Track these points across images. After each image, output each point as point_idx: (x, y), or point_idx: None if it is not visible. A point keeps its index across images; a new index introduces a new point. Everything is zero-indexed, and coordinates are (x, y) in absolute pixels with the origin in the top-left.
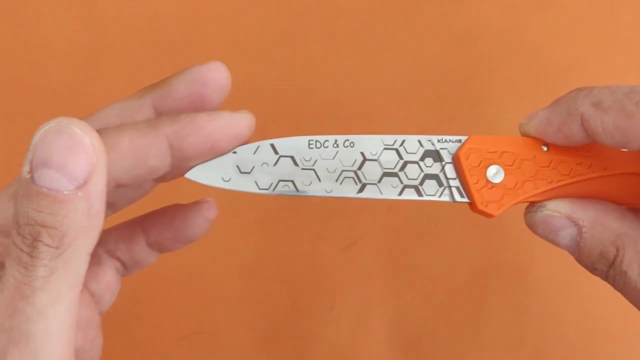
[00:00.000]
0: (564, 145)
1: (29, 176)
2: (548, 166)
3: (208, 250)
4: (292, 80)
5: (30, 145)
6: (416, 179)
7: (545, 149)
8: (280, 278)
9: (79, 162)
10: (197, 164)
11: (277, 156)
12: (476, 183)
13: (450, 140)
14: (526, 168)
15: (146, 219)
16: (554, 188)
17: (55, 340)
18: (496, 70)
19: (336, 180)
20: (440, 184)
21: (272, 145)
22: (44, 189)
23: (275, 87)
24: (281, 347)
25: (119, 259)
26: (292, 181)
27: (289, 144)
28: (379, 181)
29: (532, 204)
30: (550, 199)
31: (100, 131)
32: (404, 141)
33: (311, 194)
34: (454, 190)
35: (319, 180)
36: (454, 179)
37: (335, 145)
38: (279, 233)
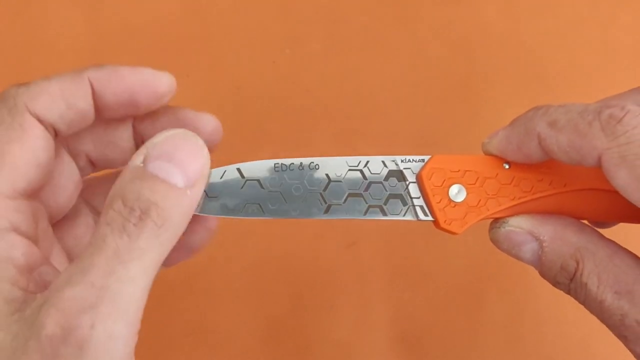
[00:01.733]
0: (524, 163)
1: (142, 165)
2: (510, 183)
3: (209, 250)
4: (292, 80)
5: (147, 143)
6: (380, 199)
7: (507, 167)
8: (282, 277)
9: (195, 166)
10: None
11: (244, 180)
12: (439, 202)
13: (413, 160)
14: (488, 186)
15: None
16: (516, 205)
17: (136, 304)
18: (495, 73)
19: (302, 202)
20: (405, 203)
21: (239, 170)
22: (160, 177)
23: (276, 88)
24: (282, 345)
25: None
26: (259, 204)
27: (255, 168)
28: (344, 202)
29: (495, 220)
30: (513, 215)
31: (29, 82)
32: (367, 162)
33: (278, 216)
34: (418, 209)
35: (285, 202)
36: (418, 197)
37: (300, 168)
38: (280, 232)
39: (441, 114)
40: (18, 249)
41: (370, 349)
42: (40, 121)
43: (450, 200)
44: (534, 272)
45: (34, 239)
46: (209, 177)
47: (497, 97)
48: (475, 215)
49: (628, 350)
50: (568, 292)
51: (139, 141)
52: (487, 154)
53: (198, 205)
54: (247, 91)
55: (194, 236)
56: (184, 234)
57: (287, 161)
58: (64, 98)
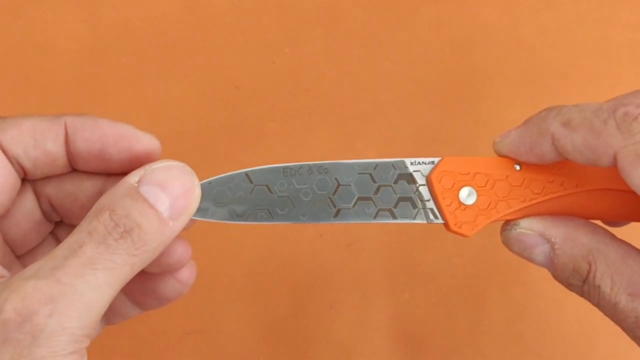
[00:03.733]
0: (537, 164)
1: (136, 184)
2: (521, 185)
3: (209, 249)
4: (292, 80)
5: (146, 166)
6: (390, 202)
7: (517, 168)
8: (282, 276)
9: (184, 201)
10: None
11: (252, 185)
12: (449, 205)
13: (423, 162)
14: (499, 188)
15: None
16: (527, 206)
17: (95, 311)
18: (495, 72)
19: (311, 207)
20: (415, 206)
21: (247, 175)
22: (149, 202)
23: (275, 88)
24: (282, 345)
25: None
26: (268, 209)
27: (263, 173)
28: (354, 206)
29: (506, 222)
30: (524, 217)
31: (7, 117)
32: (377, 165)
33: (287, 221)
34: (428, 212)
35: (295, 207)
36: (428, 200)
37: (309, 172)
38: (280, 232)
39: (441, 114)
40: None
41: (370, 349)
42: (5, 152)
43: (460, 203)
44: (534, 272)
45: None
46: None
47: (497, 96)
48: (485, 217)
49: (628, 350)
50: (581, 295)
51: None
52: (499, 154)
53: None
54: (246, 91)
55: (167, 287)
56: (158, 283)
57: (295, 166)
58: (33, 135)
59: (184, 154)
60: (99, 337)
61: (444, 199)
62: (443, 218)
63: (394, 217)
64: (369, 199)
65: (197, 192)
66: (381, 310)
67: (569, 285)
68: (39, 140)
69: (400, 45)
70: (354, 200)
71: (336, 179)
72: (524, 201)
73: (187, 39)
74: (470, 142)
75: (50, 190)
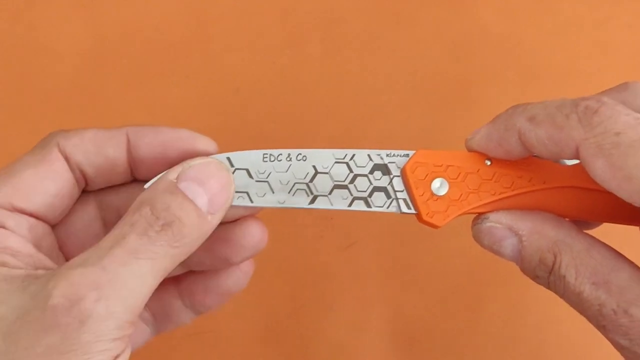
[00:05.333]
0: (505, 158)
1: (175, 181)
2: (491, 179)
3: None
4: (292, 81)
5: (184, 163)
6: (365, 191)
7: (488, 163)
8: (281, 277)
9: (222, 197)
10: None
11: (233, 169)
12: (422, 195)
13: (398, 154)
14: (470, 181)
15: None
16: (496, 200)
17: (139, 298)
18: (494, 73)
19: (289, 192)
20: (389, 196)
21: (228, 159)
22: (188, 197)
23: (276, 89)
24: (281, 346)
25: (148, 307)
26: (247, 192)
27: (244, 158)
28: (330, 193)
29: (477, 217)
30: (494, 210)
31: (69, 130)
32: (354, 155)
33: (264, 205)
34: (401, 202)
35: (273, 192)
36: (402, 191)
37: (288, 159)
38: (280, 233)
39: (440, 115)
40: (23, 226)
41: (369, 350)
42: (67, 159)
43: (432, 194)
44: None
45: (35, 245)
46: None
47: (496, 97)
48: (456, 208)
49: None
50: (548, 286)
51: None
52: (470, 150)
53: None
54: (246, 93)
55: (230, 279)
56: (220, 277)
57: (275, 152)
58: (94, 142)
59: None
60: None
61: (417, 189)
62: (416, 208)
63: (369, 206)
64: (345, 187)
65: (233, 188)
66: (381, 311)
67: (535, 278)
68: (100, 147)
69: (400, 47)
70: (331, 187)
71: (314, 166)
72: (493, 194)
73: (187, 41)
74: None
75: (112, 199)
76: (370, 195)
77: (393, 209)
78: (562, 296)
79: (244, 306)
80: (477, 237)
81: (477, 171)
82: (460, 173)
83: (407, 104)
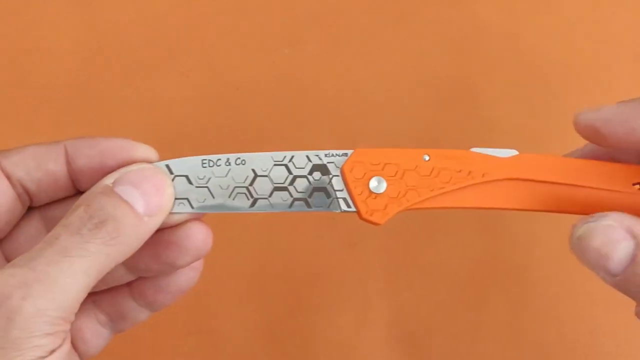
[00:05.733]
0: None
1: (112, 185)
2: (429, 175)
3: (210, 249)
4: (292, 81)
5: (121, 169)
6: (305, 192)
7: (426, 158)
8: (282, 277)
9: (158, 200)
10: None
11: (173, 176)
12: (360, 194)
13: (337, 154)
14: (408, 178)
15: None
16: (436, 196)
17: (72, 297)
18: (495, 72)
19: (229, 196)
20: (329, 196)
21: (167, 166)
22: (124, 199)
23: (275, 88)
24: (282, 346)
25: (103, 310)
26: (187, 199)
27: (183, 164)
28: (270, 195)
29: (585, 216)
30: (434, 206)
31: (9, 149)
32: (292, 157)
33: (205, 210)
34: (341, 201)
35: (213, 197)
36: (341, 190)
37: (227, 164)
38: (281, 232)
39: (440, 114)
40: None
41: (370, 349)
42: (9, 177)
43: (371, 192)
44: (534, 272)
45: None
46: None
47: (497, 97)
48: (396, 206)
49: (628, 350)
50: None
51: None
52: (580, 124)
53: None
54: (246, 91)
55: (179, 278)
56: (169, 276)
57: (214, 157)
58: (34, 157)
59: (184, 154)
60: None
61: (355, 187)
62: (355, 207)
63: (309, 207)
64: (285, 188)
65: (169, 191)
66: (381, 311)
67: None
68: (40, 162)
69: (399, 45)
70: (271, 190)
71: (253, 169)
72: (432, 190)
73: (186, 40)
74: (469, 143)
75: (56, 213)
76: (310, 195)
77: (334, 208)
78: None
79: (244, 306)
80: (585, 236)
81: (415, 168)
82: (398, 170)
83: (407, 103)
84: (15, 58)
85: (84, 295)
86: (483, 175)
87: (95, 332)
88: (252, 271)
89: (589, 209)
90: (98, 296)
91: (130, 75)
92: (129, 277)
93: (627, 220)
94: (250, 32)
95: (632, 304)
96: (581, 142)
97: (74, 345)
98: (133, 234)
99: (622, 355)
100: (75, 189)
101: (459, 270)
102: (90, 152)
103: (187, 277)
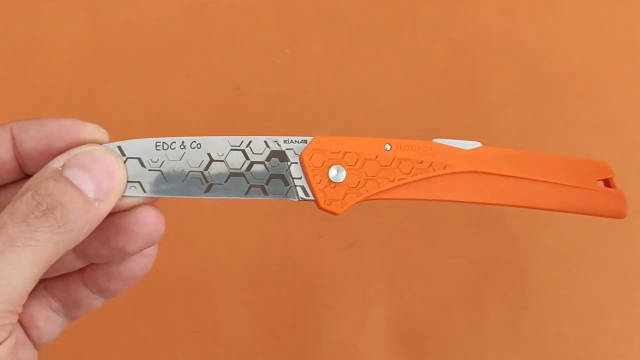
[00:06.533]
0: None
1: (60, 169)
2: (390, 165)
3: (210, 250)
4: (292, 81)
5: (70, 151)
6: (262, 179)
7: (388, 148)
8: (282, 277)
9: (109, 183)
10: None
11: (125, 158)
12: (319, 182)
13: (296, 140)
14: (368, 167)
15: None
16: (396, 187)
17: (19, 287)
18: (495, 73)
19: (183, 181)
20: (286, 184)
21: (120, 147)
22: (73, 183)
23: (276, 88)
24: (282, 346)
25: (56, 297)
26: (139, 182)
27: (136, 146)
28: (226, 181)
29: None
30: (394, 197)
31: None
32: (250, 142)
33: (158, 194)
34: (299, 190)
35: (166, 181)
36: (299, 178)
37: (182, 147)
38: (280, 232)
39: (441, 115)
40: None
41: (370, 350)
42: None
43: (330, 181)
44: (534, 272)
45: None
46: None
47: (497, 97)
48: (354, 196)
49: (627, 351)
50: None
51: None
52: None
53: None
54: (246, 91)
55: (132, 264)
56: (121, 263)
57: (168, 140)
58: None
59: None
60: (98, 337)
61: (314, 176)
62: (313, 195)
63: (266, 194)
64: (241, 174)
65: (121, 174)
66: (381, 311)
67: None
68: None
69: (400, 46)
70: (226, 176)
71: (209, 154)
72: (392, 181)
73: (187, 40)
74: None
75: (3, 199)
76: (267, 182)
77: (291, 196)
78: None
79: (244, 306)
80: None
81: (376, 157)
82: (358, 159)
83: (408, 103)
84: (18, 57)
85: (31, 286)
86: (445, 167)
87: (49, 320)
88: (252, 271)
89: (551, 204)
90: (50, 283)
91: (131, 75)
92: (80, 264)
93: None
94: (251, 32)
95: (632, 304)
96: (583, 141)
97: (27, 333)
98: (83, 220)
99: (620, 355)
100: (23, 172)
101: (458, 271)
102: (36, 134)
103: (139, 264)
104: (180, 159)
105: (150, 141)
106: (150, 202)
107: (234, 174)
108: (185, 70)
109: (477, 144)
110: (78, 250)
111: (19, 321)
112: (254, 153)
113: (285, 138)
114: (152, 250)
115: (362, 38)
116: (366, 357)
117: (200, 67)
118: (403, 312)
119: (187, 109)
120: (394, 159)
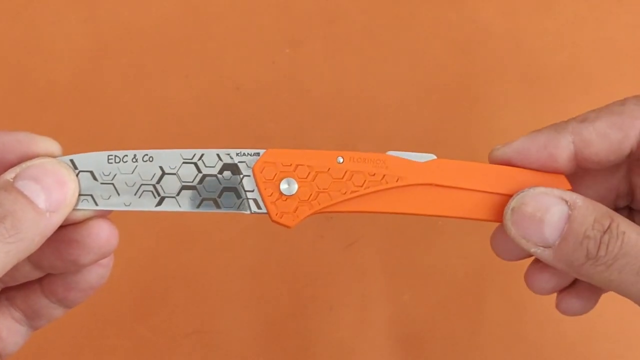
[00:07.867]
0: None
1: (12, 180)
2: (342, 178)
3: (210, 249)
4: (292, 81)
5: (22, 164)
6: (215, 192)
7: (340, 161)
8: (281, 277)
9: (60, 195)
10: None
11: (77, 171)
12: (270, 195)
13: (248, 153)
14: (320, 180)
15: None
16: (348, 199)
17: None
18: (495, 73)
19: (135, 194)
20: (239, 196)
21: (72, 161)
22: (24, 194)
23: (276, 88)
24: (282, 346)
25: (17, 307)
26: (91, 195)
27: (88, 160)
28: (178, 194)
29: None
30: (347, 209)
31: None
32: (202, 155)
33: (110, 207)
34: (252, 202)
35: (118, 194)
36: (252, 191)
37: (134, 160)
38: (280, 232)
39: (441, 115)
40: None
41: (370, 350)
42: None
43: (281, 194)
44: None
45: None
46: (72, 207)
47: (497, 97)
48: (307, 208)
49: (627, 350)
50: (596, 249)
51: None
52: (495, 160)
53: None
54: (246, 91)
55: (88, 275)
56: (77, 274)
57: (120, 153)
58: None
59: None
60: (99, 337)
61: (265, 189)
62: (266, 208)
63: (218, 207)
64: (194, 187)
65: (72, 186)
66: (381, 311)
67: (584, 239)
68: None
69: (400, 46)
70: (178, 188)
71: (161, 167)
72: (345, 193)
73: (187, 40)
74: (469, 144)
75: None
76: (219, 195)
77: (244, 209)
78: (615, 257)
79: (244, 306)
80: (518, 206)
81: (328, 170)
82: (310, 172)
83: (408, 103)
84: (18, 59)
85: None
86: (397, 180)
87: (12, 330)
88: (252, 271)
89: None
90: (12, 293)
91: (131, 76)
92: (37, 274)
93: (556, 189)
94: (251, 32)
95: (631, 304)
96: None
97: None
98: (34, 230)
99: (620, 354)
100: None
101: (458, 271)
102: None
103: (96, 274)
104: (132, 172)
105: (103, 154)
106: (102, 215)
107: (186, 187)
108: (185, 70)
109: (432, 157)
110: (33, 260)
111: None
112: (206, 166)
113: (238, 151)
114: (107, 261)
115: (362, 38)
116: (366, 357)
117: (200, 67)
118: (403, 312)
119: (187, 109)
120: (346, 172)
